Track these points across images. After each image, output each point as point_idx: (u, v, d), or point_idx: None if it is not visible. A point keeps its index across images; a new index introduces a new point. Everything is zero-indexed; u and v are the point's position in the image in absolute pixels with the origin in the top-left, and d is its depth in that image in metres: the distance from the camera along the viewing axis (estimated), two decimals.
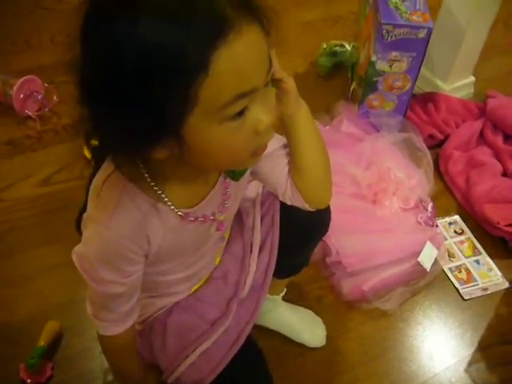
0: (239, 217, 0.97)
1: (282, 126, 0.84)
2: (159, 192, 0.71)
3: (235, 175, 0.80)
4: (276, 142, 0.87)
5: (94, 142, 0.68)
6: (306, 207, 0.90)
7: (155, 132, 0.58)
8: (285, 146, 0.88)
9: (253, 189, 0.98)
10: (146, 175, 0.69)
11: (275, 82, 0.77)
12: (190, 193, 0.76)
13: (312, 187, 0.89)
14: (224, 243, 0.96)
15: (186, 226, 0.77)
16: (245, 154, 0.66)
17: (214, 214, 0.81)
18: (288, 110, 0.82)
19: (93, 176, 0.74)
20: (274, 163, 0.88)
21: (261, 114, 0.62)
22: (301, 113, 0.83)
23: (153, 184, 0.70)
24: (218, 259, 0.97)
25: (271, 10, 0.61)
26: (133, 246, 0.72)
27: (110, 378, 1.15)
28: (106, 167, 0.71)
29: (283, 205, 0.94)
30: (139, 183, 0.69)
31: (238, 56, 0.56)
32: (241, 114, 0.60)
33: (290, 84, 0.80)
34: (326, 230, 1.03)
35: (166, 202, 0.72)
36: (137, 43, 0.53)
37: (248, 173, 0.86)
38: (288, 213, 0.94)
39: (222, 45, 0.54)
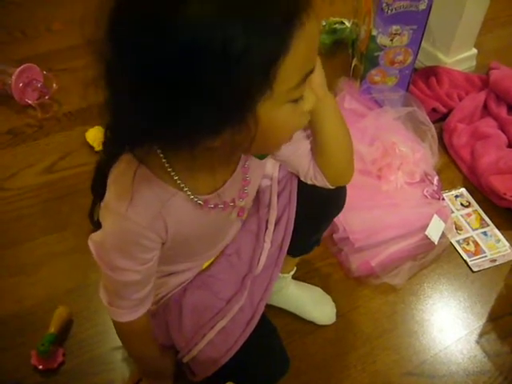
0: (256, 193, 0.96)
1: None
2: (176, 178, 0.69)
3: (262, 154, 0.79)
4: None
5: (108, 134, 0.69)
6: (328, 186, 0.90)
7: (230, 118, 0.56)
8: (304, 129, 0.86)
9: (270, 166, 0.96)
10: (164, 161, 0.68)
11: None
12: (209, 180, 0.74)
13: (336, 170, 0.89)
14: (241, 223, 0.95)
15: (206, 213, 0.76)
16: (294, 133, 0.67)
17: (233, 201, 0.79)
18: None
19: (101, 164, 0.74)
20: (296, 146, 0.86)
21: (308, 92, 0.63)
22: (327, 97, 0.80)
23: (170, 170, 0.68)
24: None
25: None
26: (150, 234, 0.71)
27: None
28: (123, 156, 0.70)
29: (299, 182, 0.94)
30: (157, 171, 0.68)
31: (310, 37, 0.56)
32: None
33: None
34: (342, 207, 1.03)
35: (185, 191, 0.71)
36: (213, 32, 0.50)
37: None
38: (304, 190, 0.94)
39: (298, 26, 0.54)
